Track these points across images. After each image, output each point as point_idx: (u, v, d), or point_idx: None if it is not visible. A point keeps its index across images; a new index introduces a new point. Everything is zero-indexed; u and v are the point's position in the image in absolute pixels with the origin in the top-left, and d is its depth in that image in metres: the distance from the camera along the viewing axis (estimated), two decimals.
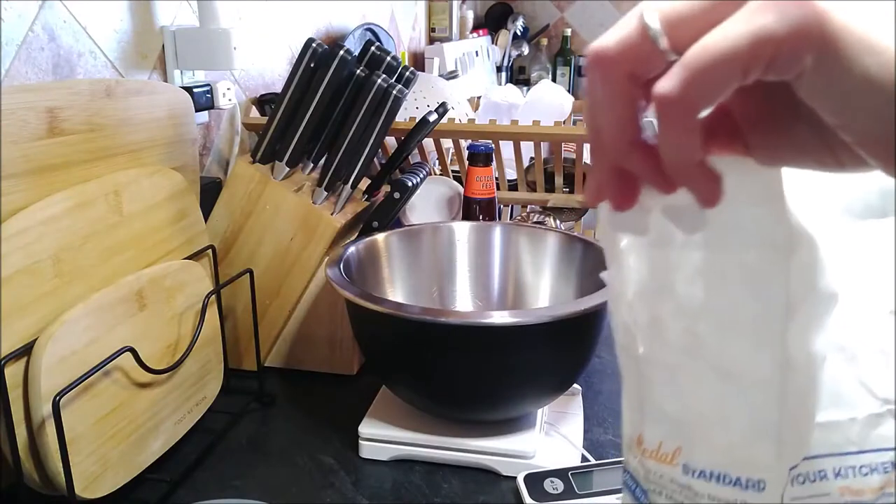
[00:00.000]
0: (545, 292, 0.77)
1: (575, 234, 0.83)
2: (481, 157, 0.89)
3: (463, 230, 0.81)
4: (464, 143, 1.05)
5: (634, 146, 0.28)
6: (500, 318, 0.58)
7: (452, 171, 1.14)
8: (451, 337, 0.59)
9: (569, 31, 2.59)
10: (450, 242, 0.80)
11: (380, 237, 0.77)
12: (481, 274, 0.81)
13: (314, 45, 0.72)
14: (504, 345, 0.59)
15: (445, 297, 0.80)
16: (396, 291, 0.78)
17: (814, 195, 0.32)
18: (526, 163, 1.07)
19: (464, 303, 0.80)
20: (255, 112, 1.10)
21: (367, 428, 0.65)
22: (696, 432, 0.32)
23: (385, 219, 0.79)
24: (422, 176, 0.82)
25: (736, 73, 0.25)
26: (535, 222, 0.99)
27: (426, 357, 0.61)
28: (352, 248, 0.72)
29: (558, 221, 1.06)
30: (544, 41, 2.59)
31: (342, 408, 0.72)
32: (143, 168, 0.64)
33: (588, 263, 0.73)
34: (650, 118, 0.29)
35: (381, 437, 0.65)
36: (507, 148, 1.05)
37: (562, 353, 0.62)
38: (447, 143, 1.09)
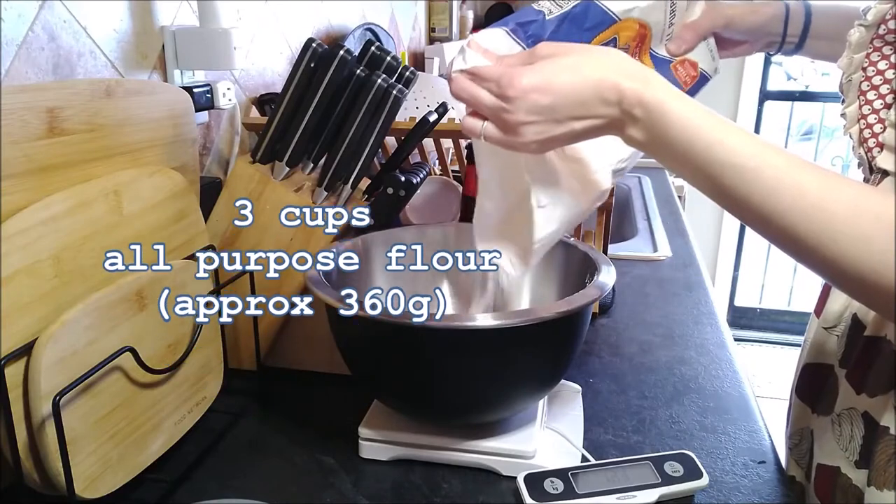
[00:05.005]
0: (526, 293, 0.77)
1: None
2: None
3: (445, 231, 0.80)
4: (464, 143, 1.05)
5: None
6: (484, 320, 0.56)
7: (452, 171, 1.14)
8: (435, 340, 0.58)
9: None
10: (431, 244, 0.79)
11: (361, 239, 0.76)
12: (462, 276, 0.79)
13: (314, 45, 0.72)
14: (490, 347, 0.58)
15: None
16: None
17: None
18: None
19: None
20: (255, 112, 1.10)
21: (367, 428, 0.65)
22: None
23: (379, 215, 0.78)
24: (422, 176, 0.82)
25: None
26: None
27: (408, 359, 0.60)
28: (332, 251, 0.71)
29: None
30: None
31: (342, 408, 0.72)
32: (143, 168, 0.64)
33: (567, 264, 0.73)
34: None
35: (381, 438, 0.65)
36: None
37: (547, 353, 0.62)
38: (447, 143, 1.10)
